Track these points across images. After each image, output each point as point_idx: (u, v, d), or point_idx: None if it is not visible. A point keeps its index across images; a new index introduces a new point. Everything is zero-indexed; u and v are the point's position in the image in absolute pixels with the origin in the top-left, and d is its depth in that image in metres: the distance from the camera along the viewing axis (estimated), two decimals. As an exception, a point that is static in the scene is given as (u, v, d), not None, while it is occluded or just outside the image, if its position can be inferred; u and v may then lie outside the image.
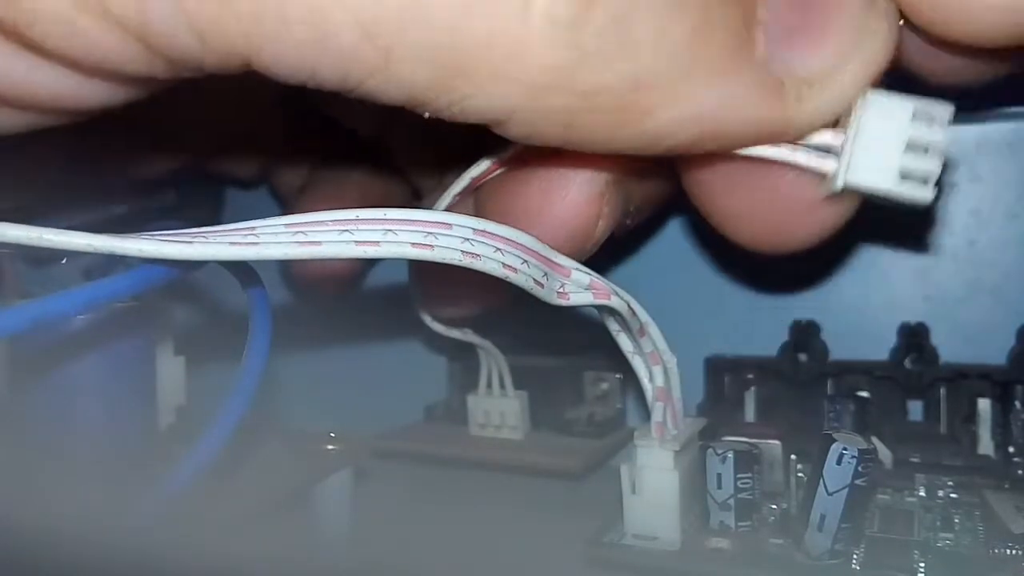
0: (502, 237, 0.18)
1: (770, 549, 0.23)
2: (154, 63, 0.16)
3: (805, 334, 0.29)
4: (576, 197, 0.22)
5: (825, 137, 0.19)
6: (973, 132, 0.28)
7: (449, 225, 0.18)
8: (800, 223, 0.20)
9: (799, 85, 0.17)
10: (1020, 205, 0.28)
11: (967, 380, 0.26)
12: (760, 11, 0.17)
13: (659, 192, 0.25)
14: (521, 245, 0.19)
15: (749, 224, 0.21)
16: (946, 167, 0.20)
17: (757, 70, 0.17)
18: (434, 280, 0.28)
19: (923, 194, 0.19)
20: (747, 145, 0.18)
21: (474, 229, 0.18)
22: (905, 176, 0.19)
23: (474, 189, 0.24)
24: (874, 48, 0.18)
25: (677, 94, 0.16)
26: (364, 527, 0.28)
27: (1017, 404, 0.25)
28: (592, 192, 0.22)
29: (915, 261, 0.29)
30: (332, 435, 0.28)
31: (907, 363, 0.27)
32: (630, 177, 0.23)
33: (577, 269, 0.21)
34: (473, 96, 0.16)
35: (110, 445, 0.23)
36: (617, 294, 0.22)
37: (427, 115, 0.17)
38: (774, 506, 0.25)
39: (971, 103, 0.28)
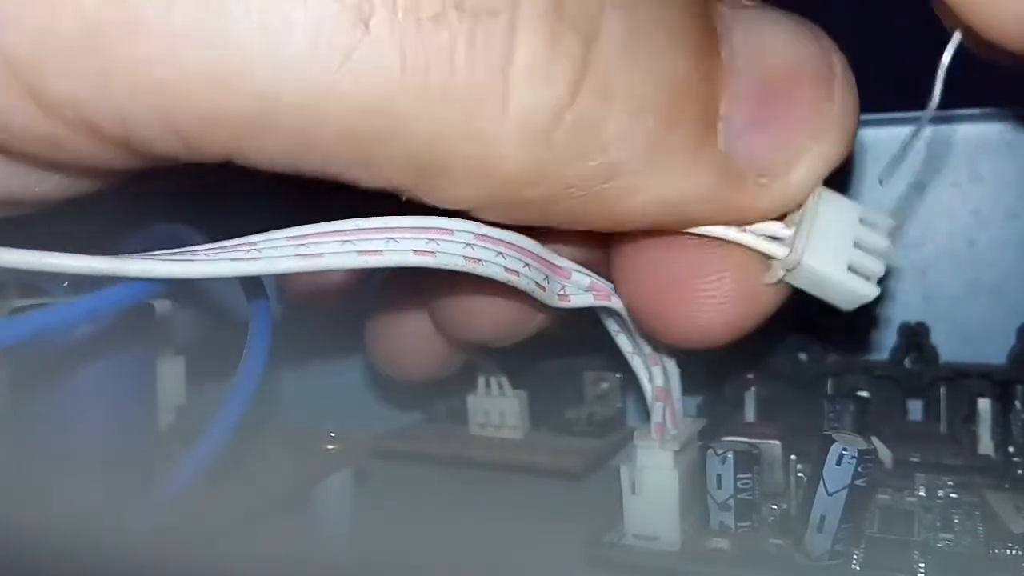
0: (503, 241, 0.18)
1: (770, 549, 0.23)
2: (132, 162, 0.17)
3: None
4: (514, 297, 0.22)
5: (773, 227, 0.20)
6: (973, 131, 0.28)
7: (450, 231, 0.18)
8: (726, 312, 0.20)
9: (759, 175, 0.18)
10: (1020, 205, 0.28)
11: (967, 380, 0.26)
12: (722, 106, 0.18)
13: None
14: (522, 248, 0.19)
15: (680, 309, 0.20)
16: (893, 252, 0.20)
17: (719, 160, 0.18)
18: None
19: (868, 290, 0.20)
20: (707, 224, 0.19)
21: (475, 234, 0.18)
22: (852, 269, 0.19)
23: None
24: (828, 144, 0.19)
25: (645, 183, 0.17)
26: (364, 527, 0.28)
27: (1017, 404, 0.25)
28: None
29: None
30: (332, 435, 0.28)
31: (907, 363, 0.27)
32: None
33: (577, 271, 0.21)
34: (450, 190, 0.17)
35: (110, 445, 0.23)
36: (617, 295, 0.22)
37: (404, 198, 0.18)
38: (774, 506, 0.25)
39: (971, 102, 0.28)
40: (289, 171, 0.17)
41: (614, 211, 0.18)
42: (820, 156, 0.19)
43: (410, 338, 0.27)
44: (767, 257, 0.20)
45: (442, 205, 0.17)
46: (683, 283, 0.20)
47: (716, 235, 0.19)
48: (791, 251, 0.19)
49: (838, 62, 0.19)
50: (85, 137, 0.16)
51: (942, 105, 0.28)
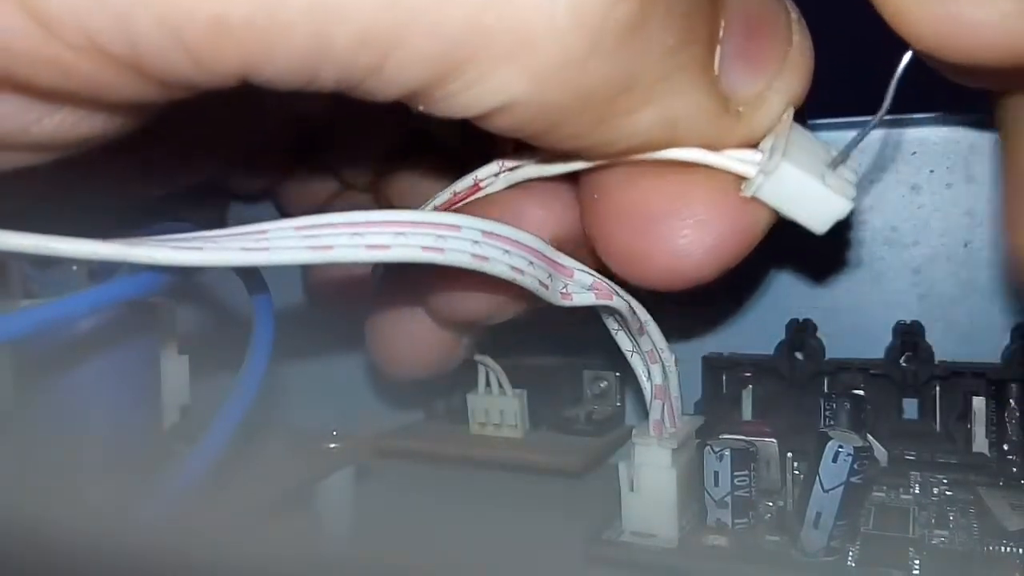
0: (510, 239, 0.18)
1: (767, 546, 0.23)
2: (146, 89, 0.16)
3: (801, 333, 0.29)
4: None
5: (745, 153, 0.20)
6: (967, 133, 0.28)
7: (459, 228, 0.18)
8: (704, 237, 0.20)
9: (737, 103, 0.19)
10: (1014, 206, 0.28)
11: (962, 378, 0.26)
12: (720, 32, 0.19)
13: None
14: (527, 247, 0.19)
15: (660, 242, 0.20)
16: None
17: (714, 85, 0.19)
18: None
19: (843, 204, 0.20)
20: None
21: (483, 231, 0.18)
22: (828, 184, 0.20)
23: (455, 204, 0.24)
24: (795, 79, 0.20)
25: (655, 98, 0.18)
26: (366, 525, 0.28)
27: (1011, 402, 0.25)
28: None
29: (910, 261, 0.29)
30: (334, 433, 0.28)
31: (902, 362, 0.28)
32: (572, 244, 0.23)
33: (580, 270, 0.21)
34: (473, 86, 0.16)
35: (114, 444, 0.23)
36: (618, 294, 0.22)
37: (419, 109, 0.17)
38: (770, 503, 0.25)
39: (965, 104, 0.28)
40: (304, 88, 0.16)
41: (620, 128, 0.18)
42: (787, 90, 0.20)
43: (409, 334, 0.27)
44: (740, 179, 0.20)
45: (452, 112, 0.17)
46: (659, 216, 0.20)
47: (693, 159, 0.20)
48: (769, 159, 0.19)
49: (794, 10, 0.20)
50: (92, 60, 0.15)
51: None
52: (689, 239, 0.20)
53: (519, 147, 0.22)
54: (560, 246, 0.21)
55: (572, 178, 0.22)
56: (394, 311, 0.27)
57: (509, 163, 0.23)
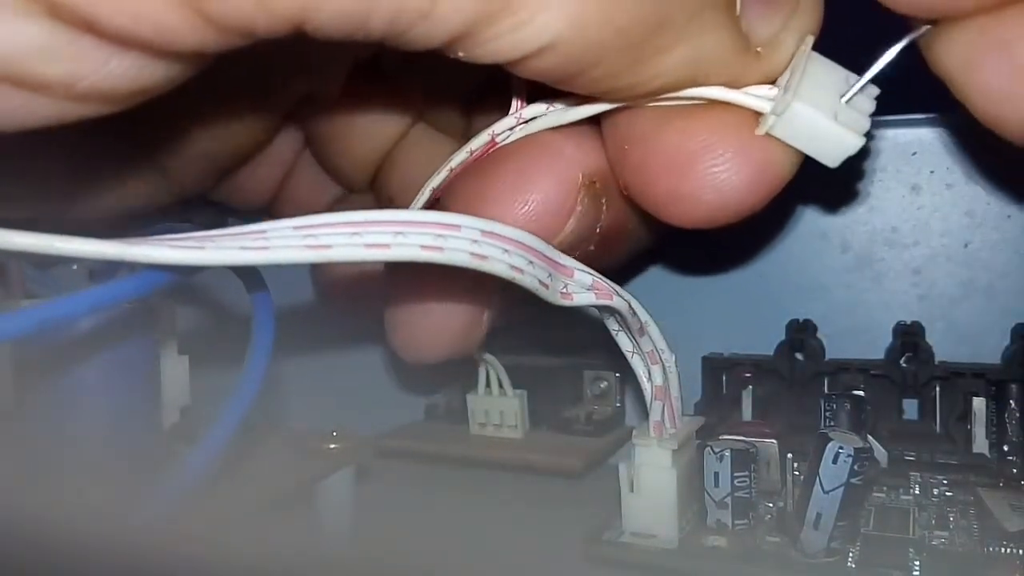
0: (509, 239, 0.18)
1: (767, 547, 0.23)
2: (208, 35, 0.17)
3: (801, 333, 0.29)
4: (551, 185, 0.23)
5: (763, 90, 0.21)
6: (967, 133, 0.28)
7: (458, 227, 0.18)
8: (735, 175, 0.21)
9: (756, 44, 0.20)
10: (1014, 206, 0.28)
11: (962, 379, 0.26)
12: None
13: (627, 226, 0.25)
14: (527, 246, 0.19)
15: (693, 180, 0.21)
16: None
17: (737, 25, 0.20)
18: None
19: (854, 140, 0.21)
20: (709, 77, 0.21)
21: (482, 231, 0.18)
22: (839, 120, 0.20)
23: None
24: (807, 19, 0.21)
25: (685, 36, 0.19)
26: (366, 525, 0.28)
27: (1011, 403, 0.25)
28: (567, 184, 0.23)
29: (910, 261, 0.29)
30: (334, 434, 0.28)
31: (902, 362, 0.28)
32: (604, 185, 0.23)
33: (580, 270, 0.21)
34: (515, 28, 0.17)
35: (114, 444, 0.23)
36: (618, 294, 0.22)
37: (459, 54, 0.18)
38: (771, 504, 0.25)
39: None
40: (352, 35, 0.17)
41: (653, 67, 0.19)
42: (801, 29, 0.21)
43: (428, 311, 0.27)
44: (759, 115, 0.21)
45: (493, 56, 0.18)
46: (697, 153, 0.21)
47: (715, 96, 0.21)
48: (781, 98, 0.20)
49: None
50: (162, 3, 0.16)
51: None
52: (730, 171, 0.21)
53: (531, 99, 0.23)
54: (594, 183, 0.22)
55: (594, 123, 0.23)
56: (413, 290, 0.27)
57: (526, 114, 0.23)
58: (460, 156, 0.24)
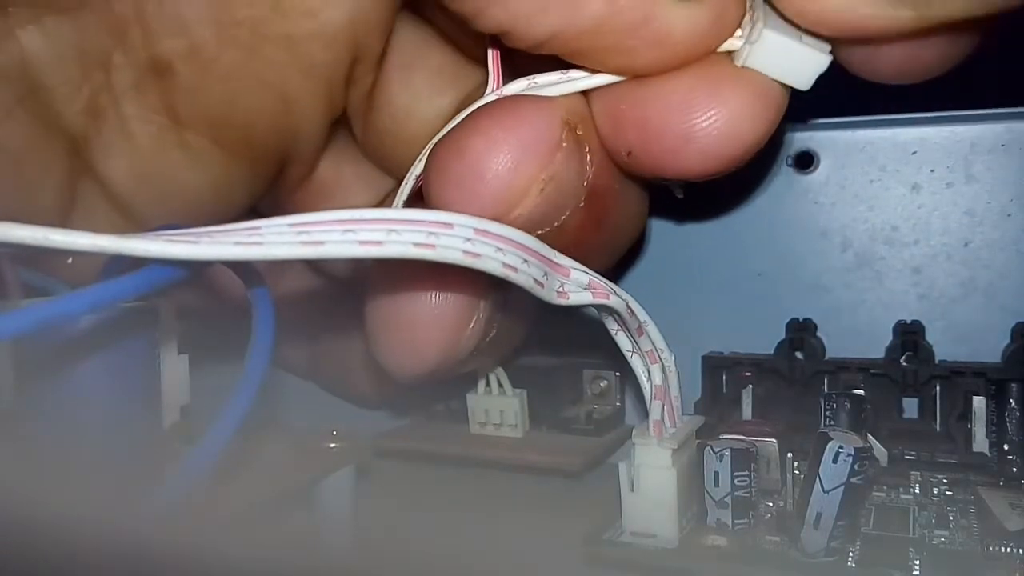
0: (503, 237, 0.19)
1: (767, 546, 0.23)
2: None
3: (801, 333, 0.29)
4: (536, 116, 0.23)
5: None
6: (967, 132, 0.28)
7: (451, 225, 0.18)
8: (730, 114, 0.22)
9: None
10: (1014, 205, 0.28)
11: (962, 378, 0.26)
12: None
13: (614, 186, 0.25)
14: (521, 245, 0.19)
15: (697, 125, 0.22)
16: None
17: None
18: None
19: (823, 57, 0.22)
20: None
21: (475, 229, 0.18)
22: (805, 42, 0.22)
23: None
24: None
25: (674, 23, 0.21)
26: (365, 524, 0.28)
27: (1011, 402, 0.25)
28: (552, 119, 0.23)
29: (910, 260, 0.29)
30: (334, 433, 0.28)
31: (903, 361, 0.28)
32: (587, 133, 0.24)
33: (576, 269, 0.21)
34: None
35: (114, 444, 0.23)
36: (616, 293, 0.22)
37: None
38: (771, 504, 0.25)
39: (965, 104, 0.28)
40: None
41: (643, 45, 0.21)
42: None
43: (413, 315, 0.26)
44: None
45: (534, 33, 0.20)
46: (697, 104, 0.22)
47: None
48: (752, 28, 0.22)
49: None
50: None
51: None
52: (733, 104, 0.22)
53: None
54: (575, 128, 0.23)
55: None
56: (395, 292, 0.26)
57: (540, 79, 0.23)
58: (441, 135, 0.24)
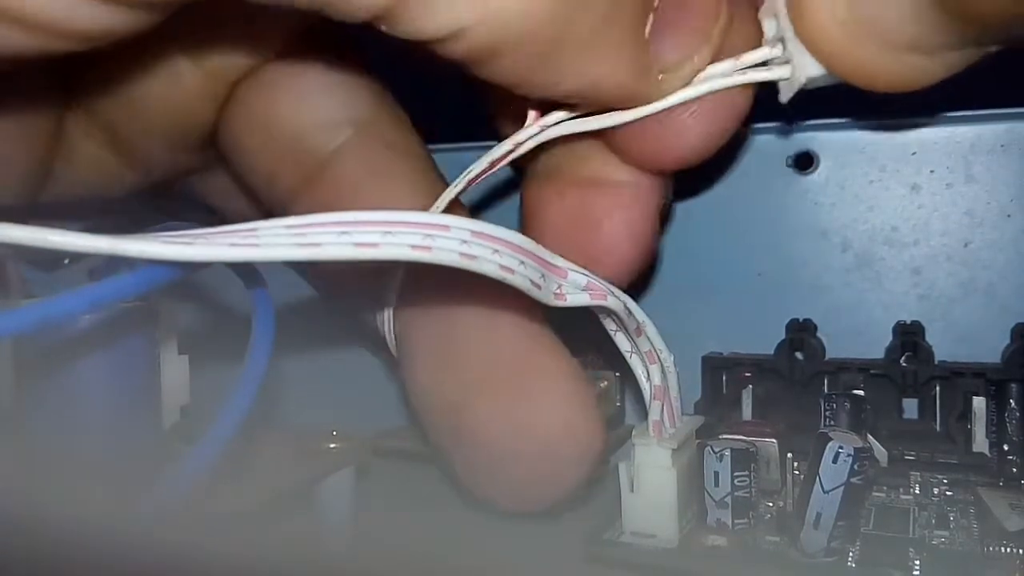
0: (499, 239, 0.19)
1: (767, 547, 0.23)
2: None
3: (801, 333, 0.29)
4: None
5: (757, 55, 0.23)
6: (967, 133, 0.28)
7: (447, 227, 0.18)
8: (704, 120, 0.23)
9: (660, 70, 0.22)
10: (1014, 205, 0.28)
11: (962, 378, 0.26)
12: (652, 12, 0.21)
13: None
14: (518, 247, 0.19)
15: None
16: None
17: (642, 48, 0.21)
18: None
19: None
20: (611, 104, 0.22)
21: (472, 231, 0.18)
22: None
23: None
24: (709, 50, 0.22)
25: (587, 50, 0.20)
26: (365, 524, 0.28)
27: (1011, 402, 0.25)
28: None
29: (910, 261, 0.29)
30: (334, 433, 0.28)
31: (902, 362, 0.28)
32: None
33: (573, 270, 0.21)
34: (428, 15, 0.19)
35: (114, 444, 0.23)
36: (613, 294, 0.22)
37: (382, 28, 0.19)
38: (771, 504, 0.25)
39: (965, 104, 0.28)
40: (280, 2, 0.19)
41: (548, 75, 0.21)
42: (704, 60, 0.22)
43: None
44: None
45: (411, 35, 0.19)
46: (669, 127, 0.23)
47: (724, 85, 0.22)
48: (794, 67, 0.22)
49: None
50: None
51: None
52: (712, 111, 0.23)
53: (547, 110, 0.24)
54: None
55: None
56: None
57: (546, 121, 0.24)
58: (481, 165, 0.24)
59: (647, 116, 0.22)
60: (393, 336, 0.27)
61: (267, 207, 0.29)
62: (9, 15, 0.18)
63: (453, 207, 0.25)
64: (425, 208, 0.25)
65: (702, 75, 0.22)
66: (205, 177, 0.31)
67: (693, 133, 0.23)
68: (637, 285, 0.25)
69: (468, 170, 0.24)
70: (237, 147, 0.29)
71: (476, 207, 0.34)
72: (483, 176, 0.25)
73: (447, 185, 0.26)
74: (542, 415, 0.24)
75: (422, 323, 0.26)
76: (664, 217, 0.26)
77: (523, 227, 0.26)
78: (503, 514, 0.26)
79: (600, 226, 0.24)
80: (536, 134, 0.24)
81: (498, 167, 0.24)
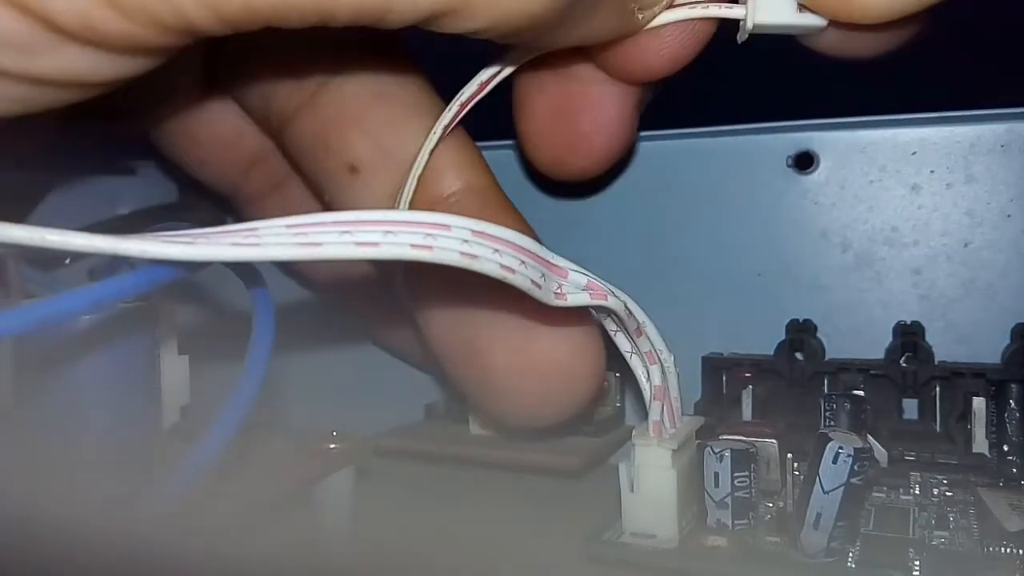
0: (500, 239, 0.19)
1: (767, 547, 0.23)
2: (172, 40, 0.18)
3: (801, 333, 0.29)
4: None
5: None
6: (967, 133, 0.28)
7: (448, 227, 0.18)
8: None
9: (639, 8, 0.23)
10: (1014, 206, 0.28)
11: (962, 379, 0.26)
12: None
13: None
14: (519, 246, 0.19)
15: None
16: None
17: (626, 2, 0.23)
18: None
19: (818, 21, 0.23)
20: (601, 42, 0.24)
21: (473, 231, 0.18)
22: (800, 9, 0.23)
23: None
24: None
25: (586, 18, 0.22)
26: (366, 525, 0.28)
27: (1011, 403, 0.25)
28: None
29: (910, 261, 0.29)
30: (334, 434, 0.28)
31: (902, 362, 0.28)
32: None
33: (574, 270, 0.21)
34: (468, 18, 0.20)
35: (114, 444, 0.23)
36: (614, 294, 0.22)
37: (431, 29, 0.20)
38: (771, 504, 0.25)
39: (965, 104, 0.28)
40: (323, 23, 0.19)
41: (557, 41, 0.22)
42: None
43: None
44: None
45: (459, 32, 0.20)
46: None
47: (686, 16, 0.24)
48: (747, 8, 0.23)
49: None
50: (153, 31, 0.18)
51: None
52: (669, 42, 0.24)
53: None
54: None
55: None
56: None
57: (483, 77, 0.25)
58: (471, 88, 0.26)
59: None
60: (407, 287, 0.28)
61: (263, 129, 0.30)
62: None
63: (454, 134, 0.26)
64: (427, 129, 0.26)
65: (670, 12, 0.24)
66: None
67: (660, 52, 0.25)
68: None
69: (459, 94, 0.26)
70: (234, 67, 0.29)
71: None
72: (474, 100, 0.26)
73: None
74: (549, 341, 0.25)
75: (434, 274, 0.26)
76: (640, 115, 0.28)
77: (514, 117, 0.28)
78: (514, 432, 0.28)
79: (577, 118, 0.27)
80: (476, 92, 0.25)
81: (487, 89, 0.26)
